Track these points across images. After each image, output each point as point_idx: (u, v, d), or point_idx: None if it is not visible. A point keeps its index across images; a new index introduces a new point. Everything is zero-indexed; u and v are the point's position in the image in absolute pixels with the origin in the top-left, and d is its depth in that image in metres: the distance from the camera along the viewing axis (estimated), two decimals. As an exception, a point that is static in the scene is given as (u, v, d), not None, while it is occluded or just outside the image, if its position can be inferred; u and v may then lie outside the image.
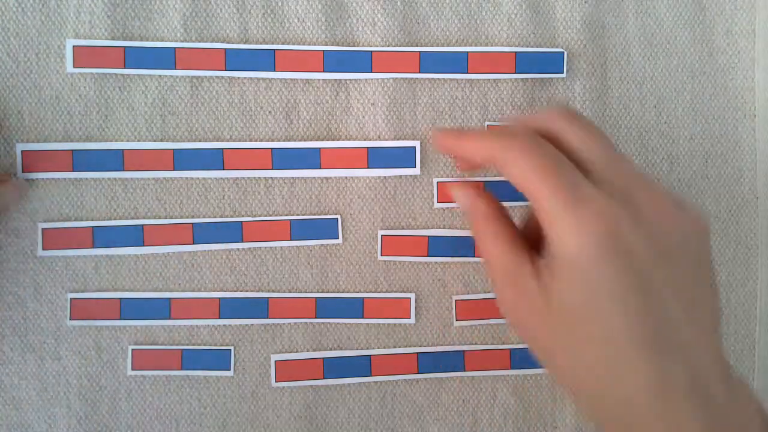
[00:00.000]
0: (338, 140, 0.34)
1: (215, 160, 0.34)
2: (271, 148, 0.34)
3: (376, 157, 0.34)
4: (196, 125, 0.34)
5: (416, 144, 0.34)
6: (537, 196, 0.24)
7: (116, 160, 0.34)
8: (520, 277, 0.25)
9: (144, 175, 0.34)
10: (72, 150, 0.33)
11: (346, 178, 0.35)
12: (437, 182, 0.35)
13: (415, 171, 0.34)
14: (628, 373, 0.23)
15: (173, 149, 0.34)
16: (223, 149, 0.34)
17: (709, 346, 0.25)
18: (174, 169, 0.34)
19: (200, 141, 0.34)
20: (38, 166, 0.33)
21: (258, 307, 0.34)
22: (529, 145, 0.24)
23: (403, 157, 0.34)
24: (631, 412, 0.24)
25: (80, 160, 0.33)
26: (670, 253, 0.24)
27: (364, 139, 0.34)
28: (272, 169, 0.34)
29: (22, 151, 0.33)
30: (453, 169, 0.35)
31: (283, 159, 0.34)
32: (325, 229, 0.35)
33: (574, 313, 0.24)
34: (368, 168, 0.34)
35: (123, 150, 0.33)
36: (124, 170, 0.34)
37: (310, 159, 0.34)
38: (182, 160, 0.34)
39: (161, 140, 0.34)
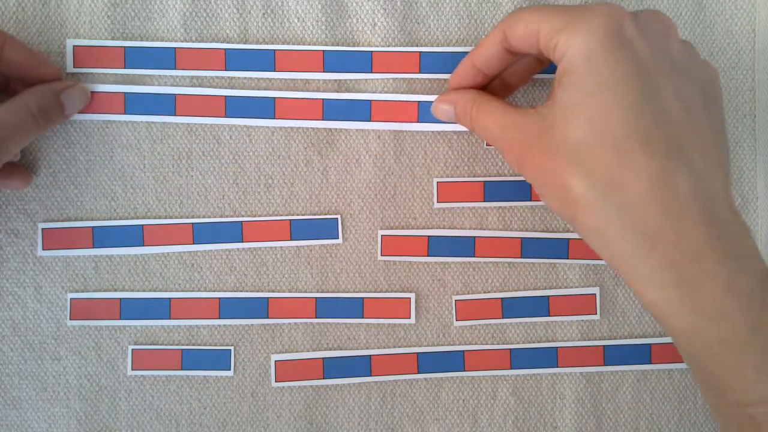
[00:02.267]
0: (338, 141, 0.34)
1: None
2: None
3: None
4: (197, 126, 0.34)
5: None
6: (540, 27, 0.26)
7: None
8: (524, 118, 0.27)
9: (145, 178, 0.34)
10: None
11: (346, 178, 0.35)
12: (437, 182, 0.35)
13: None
14: (630, 173, 0.24)
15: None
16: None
17: (717, 171, 0.25)
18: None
19: (200, 140, 0.34)
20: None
21: (258, 307, 0.34)
22: (529, 6, 0.27)
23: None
24: (637, 221, 0.24)
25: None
26: (673, 62, 0.26)
27: (363, 138, 0.34)
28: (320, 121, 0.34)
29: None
30: (453, 170, 0.35)
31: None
32: (325, 229, 0.35)
33: (577, 116, 0.25)
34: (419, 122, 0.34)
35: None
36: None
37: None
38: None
39: (161, 140, 0.34)
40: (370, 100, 0.34)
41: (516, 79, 0.32)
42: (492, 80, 0.31)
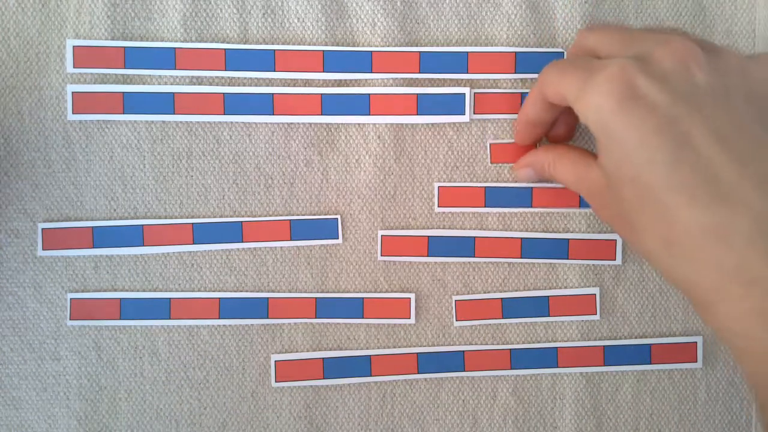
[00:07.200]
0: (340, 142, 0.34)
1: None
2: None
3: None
4: (197, 126, 0.34)
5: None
6: (564, 91, 0.26)
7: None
8: (590, 173, 0.28)
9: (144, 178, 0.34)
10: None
11: (346, 178, 0.35)
12: (438, 187, 0.35)
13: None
14: (680, 232, 0.23)
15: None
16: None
17: None
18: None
19: (199, 139, 0.34)
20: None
21: (258, 307, 0.34)
22: (556, 62, 0.28)
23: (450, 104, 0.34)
24: (699, 271, 0.23)
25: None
26: (700, 95, 0.24)
27: (363, 138, 0.34)
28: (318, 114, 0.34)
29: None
30: (453, 170, 0.35)
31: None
32: (325, 229, 0.35)
33: (620, 180, 0.25)
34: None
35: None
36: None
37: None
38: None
39: (161, 140, 0.34)
40: (369, 94, 0.34)
41: None
42: (555, 122, 0.32)
